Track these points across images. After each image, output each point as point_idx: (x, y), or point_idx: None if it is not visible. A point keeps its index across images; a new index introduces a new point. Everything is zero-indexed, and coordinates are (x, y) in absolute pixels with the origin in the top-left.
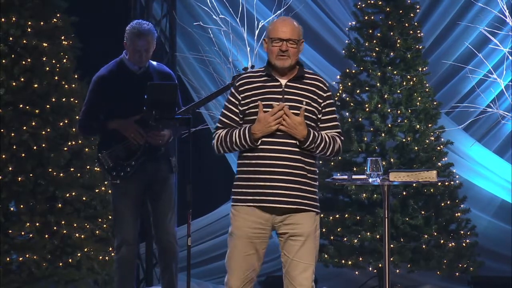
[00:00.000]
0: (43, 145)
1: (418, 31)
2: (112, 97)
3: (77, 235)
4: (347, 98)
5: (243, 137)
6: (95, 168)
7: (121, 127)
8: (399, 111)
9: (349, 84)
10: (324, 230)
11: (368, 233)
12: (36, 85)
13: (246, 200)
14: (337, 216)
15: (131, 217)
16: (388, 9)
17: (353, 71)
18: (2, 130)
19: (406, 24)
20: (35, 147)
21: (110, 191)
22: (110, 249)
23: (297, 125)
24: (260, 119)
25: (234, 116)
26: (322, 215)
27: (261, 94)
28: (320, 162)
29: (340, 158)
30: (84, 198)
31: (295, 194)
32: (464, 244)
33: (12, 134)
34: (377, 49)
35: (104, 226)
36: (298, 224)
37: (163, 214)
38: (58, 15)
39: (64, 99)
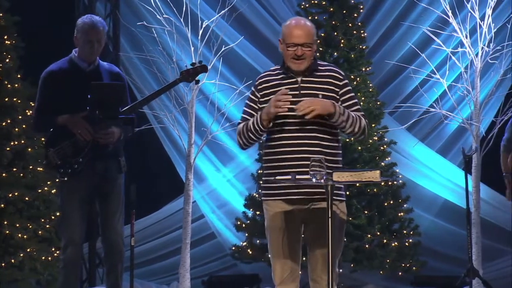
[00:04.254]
0: None
1: (362, 31)
2: (60, 93)
3: (19, 235)
4: None
5: (256, 121)
6: (38, 168)
7: (69, 122)
8: None
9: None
10: None
11: None
12: None
13: (272, 195)
14: None
15: (78, 217)
16: (331, 9)
17: None
18: None
19: (350, 24)
20: None
21: (53, 191)
22: (53, 249)
23: (310, 103)
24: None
25: (253, 112)
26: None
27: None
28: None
29: None
30: (27, 198)
31: (314, 185)
32: (407, 244)
33: None
34: (321, 49)
35: (47, 226)
36: (318, 217)
37: (111, 214)
38: (0, 14)
39: (6, 99)
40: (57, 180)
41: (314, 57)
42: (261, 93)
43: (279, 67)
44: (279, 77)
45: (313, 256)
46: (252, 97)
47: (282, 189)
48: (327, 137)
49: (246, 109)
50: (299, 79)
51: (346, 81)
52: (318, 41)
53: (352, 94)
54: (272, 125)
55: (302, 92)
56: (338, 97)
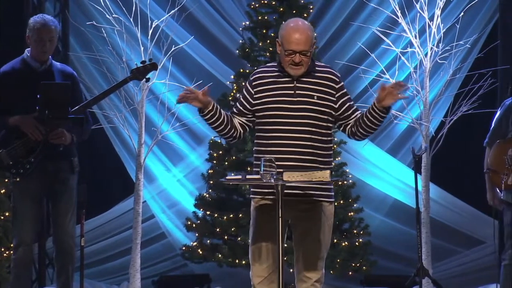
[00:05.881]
0: None
1: None
2: (13, 94)
3: None
4: None
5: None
6: None
7: (20, 123)
8: None
9: (243, 84)
10: (218, 229)
11: None
12: None
13: (260, 193)
14: (231, 215)
15: (30, 218)
16: (281, 9)
17: (247, 71)
18: None
19: None
20: None
21: (3, 191)
22: (2, 249)
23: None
24: None
25: (241, 107)
26: (216, 215)
27: (274, 89)
28: (214, 161)
29: (234, 158)
30: None
31: (304, 186)
32: (357, 244)
33: None
34: (270, 49)
35: None
36: (307, 216)
37: (63, 215)
38: None
39: None
40: (6, 180)
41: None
42: (255, 89)
43: (275, 64)
44: (274, 74)
45: (300, 256)
46: (245, 92)
47: (269, 188)
48: (320, 138)
49: (237, 103)
50: (295, 79)
51: (342, 83)
52: (315, 43)
53: (349, 96)
54: (264, 123)
55: (297, 92)
56: (334, 99)
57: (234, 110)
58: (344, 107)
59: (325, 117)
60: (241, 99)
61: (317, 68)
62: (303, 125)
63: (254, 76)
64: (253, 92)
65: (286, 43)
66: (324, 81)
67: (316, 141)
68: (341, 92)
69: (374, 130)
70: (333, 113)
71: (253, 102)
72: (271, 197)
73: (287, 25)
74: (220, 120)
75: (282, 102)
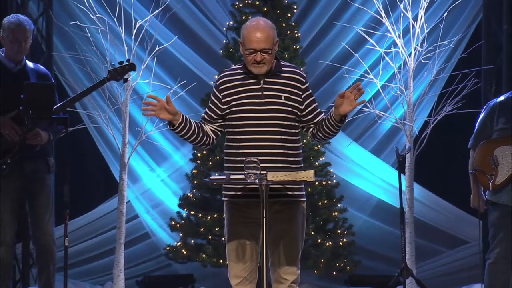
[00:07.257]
0: None
1: (296, 31)
2: None
3: None
4: None
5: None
6: None
7: None
8: None
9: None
10: (202, 229)
11: None
12: None
13: (234, 196)
14: (215, 215)
15: (8, 217)
16: (265, 9)
17: None
18: None
19: (284, 24)
20: None
21: None
22: None
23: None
24: None
25: (211, 113)
26: (200, 215)
27: (241, 92)
28: (198, 161)
29: (218, 158)
30: None
31: (281, 187)
32: (341, 243)
33: None
34: None
35: None
36: (282, 217)
37: (41, 215)
38: None
39: None
40: None
41: (276, 56)
42: (222, 94)
43: (240, 66)
44: (240, 77)
45: (277, 257)
46: (213, 98)
47: (239, 190)
48: (290, 138)
49: (206, 109)
50: (261, 80)
51: (308, 84)
52: (277, 41)
53: (314, 97)
54: (233, 126)
55: (264, 93)
56: (301, 100)
57: (205, 117)
58: (309, 109)
59: (293, 116)
60: (210, 105)
61: (283, 68)
62: (272, 126)
63: (220, 81)
64: (220, 97)
65: (247, 42)
66: (290, 81)
67: (286, 141)
68: (307, 93)
69: (332, 136)
70: (299, 113)
71: (222, 107)
72: (242, 199)
73: (248, 25)
74: (192, 131)
75: (250, 104)
